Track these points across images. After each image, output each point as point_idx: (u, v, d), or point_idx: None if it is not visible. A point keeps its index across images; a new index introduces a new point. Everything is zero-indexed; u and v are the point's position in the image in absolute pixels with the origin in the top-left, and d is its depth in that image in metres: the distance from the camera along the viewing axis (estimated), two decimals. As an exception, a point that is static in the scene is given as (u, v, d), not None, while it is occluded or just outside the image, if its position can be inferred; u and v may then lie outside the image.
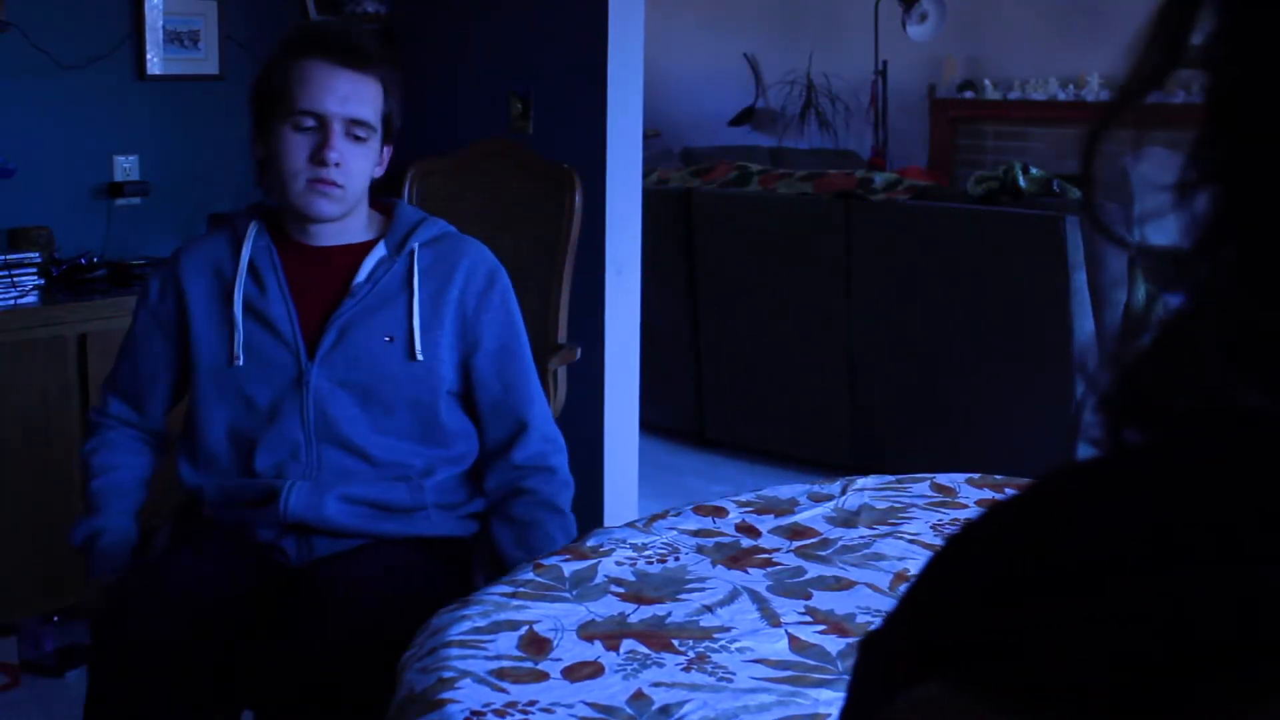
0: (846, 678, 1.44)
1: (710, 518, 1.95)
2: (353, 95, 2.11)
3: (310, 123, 2.09)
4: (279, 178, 2.12)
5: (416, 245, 2.19)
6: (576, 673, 1.44)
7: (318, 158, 2.09)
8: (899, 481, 2.12)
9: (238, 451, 2.15)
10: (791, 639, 1.55)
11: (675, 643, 1.53)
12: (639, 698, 1.39)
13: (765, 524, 1.92)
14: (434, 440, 2.16)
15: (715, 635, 1.55)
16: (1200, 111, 0.44)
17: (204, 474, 2.17)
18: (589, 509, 3.42)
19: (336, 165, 2.09)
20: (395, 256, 2.18)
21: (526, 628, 1.54)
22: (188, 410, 2.22)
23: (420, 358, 2.13)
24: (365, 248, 2.19)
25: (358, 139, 2.11)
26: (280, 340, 2.13)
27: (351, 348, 2.13)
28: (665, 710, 1.36)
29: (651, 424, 4.63)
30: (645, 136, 3.96)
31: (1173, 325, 0.45)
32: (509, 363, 2.21)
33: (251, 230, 2.18)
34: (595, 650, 1.50)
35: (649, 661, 1.48)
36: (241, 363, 2.13)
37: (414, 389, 2.14)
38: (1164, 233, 0.45)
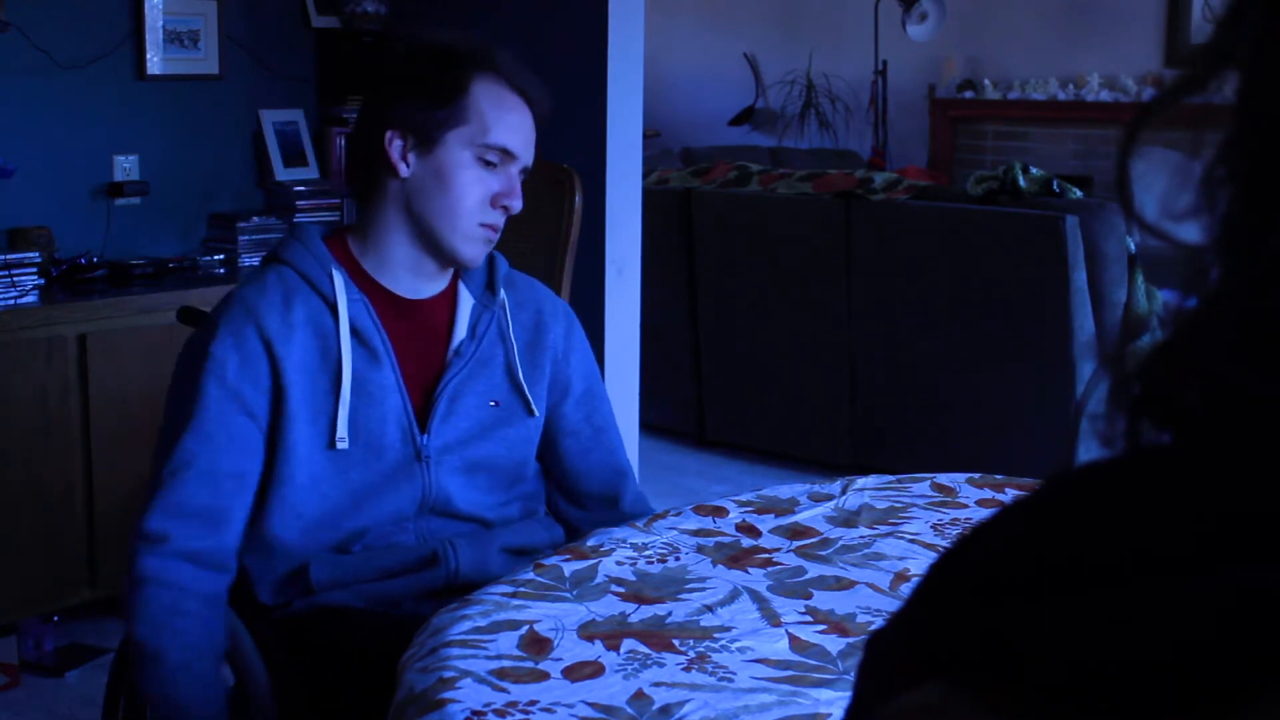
0: (847, 678, 1.44)
1: (710, 518, 1.94)
2: (532, 143, 1.91)
3: (494, 158, 1.85)
4: (442, 210, 1.84)
5: (504, 291, 1.96)
6: (577, 673, 1.44)
7: (501, 202, 1.86)
8: (899, 481, 2.11)
9: (318, 539, 1.83)
10: (792, 639, 1.55)
11: (676, 642, 1.53)
12: (639, 698, 1.39)
13: (765, 524, 1.92)
14: (518, 486, 1.97)
15: (716, 635, 1.55)
16: (1230, 111, 0.44)
17: (274, 557, 1.83)
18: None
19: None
20: (487, 306, 1.94)
21: (527, 627, 1.54)
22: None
23: (536, 414, 1.94)
24: (448, 297, 1.94)
25: None
26: (392, 415, 1.84)
27: (462, 418, 1.88)
28: (666, 710, 1.36)
29: (651, 424, 4.63)
30: (645, 136, 3.96)
31: (1188, 319, 0.45)
32: (597, 405, 2.03)
33: (340, 280, 1.84)
34: (596, 650, 1.50)
35: (649, 661, 1.48)
36: (347, 445, 1.80)
37: (521, 450, 1.94)
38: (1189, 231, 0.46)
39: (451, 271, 1.94)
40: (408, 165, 1.85)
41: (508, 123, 1.86)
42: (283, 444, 1.79)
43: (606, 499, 2.03)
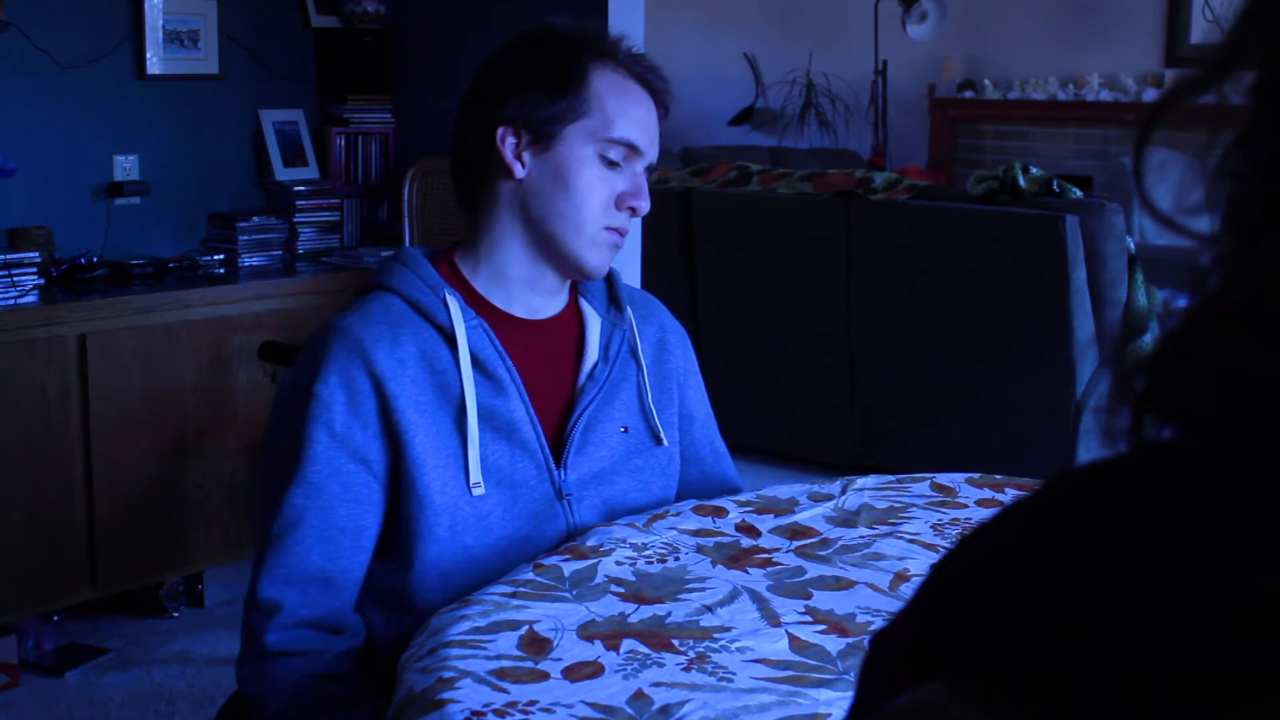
0: (847, 678, 1.44)
1: (710, 518, 1.94)
2: (657, 138, 1.72)
3: (617, 155, 1.67)
4: (565, 212, 1.66)
5: (631, 308, 1.80)
6: (576, 673, 1.44)
7: (628, 203, 1.68)
8: (899, 481, 2.11)
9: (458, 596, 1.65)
10: (791, 639, 1.55)
11: (675, 643, 1.53)
12: (639, 698, 1.39)
13: (765, 524, 1.92)
14: None
15: (715, 635, 1.55)
16: (1244, 108, 0.44)
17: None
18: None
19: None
20: (615, 324, 1.78)
21: (526, 628, 1.54)
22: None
23: (665, 443, 1.80)
24: (570, 317, 1.77)
25: None
26: (525, 451, 1.67)
27: (597, 448, 1.73)
28: (665, 710, 1.36)
29: (651, 424, 4.63)
30: (645, 136, 3.96)
31: (1194, 311, 0.45)
32: (714, 426, 1.94)
33: (455, 304, 1.65)
34: (595, 650, 1.50)
35: (649, 661, 1.48)
36: (484, 490, 1.64)
37: (659, 482, 1.81)
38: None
39: (569, 287, 1.77)
40: (523, 165, 1.66)
41: (632, 116, 1.68)
42: (414, 494, 1.60)
43: None
